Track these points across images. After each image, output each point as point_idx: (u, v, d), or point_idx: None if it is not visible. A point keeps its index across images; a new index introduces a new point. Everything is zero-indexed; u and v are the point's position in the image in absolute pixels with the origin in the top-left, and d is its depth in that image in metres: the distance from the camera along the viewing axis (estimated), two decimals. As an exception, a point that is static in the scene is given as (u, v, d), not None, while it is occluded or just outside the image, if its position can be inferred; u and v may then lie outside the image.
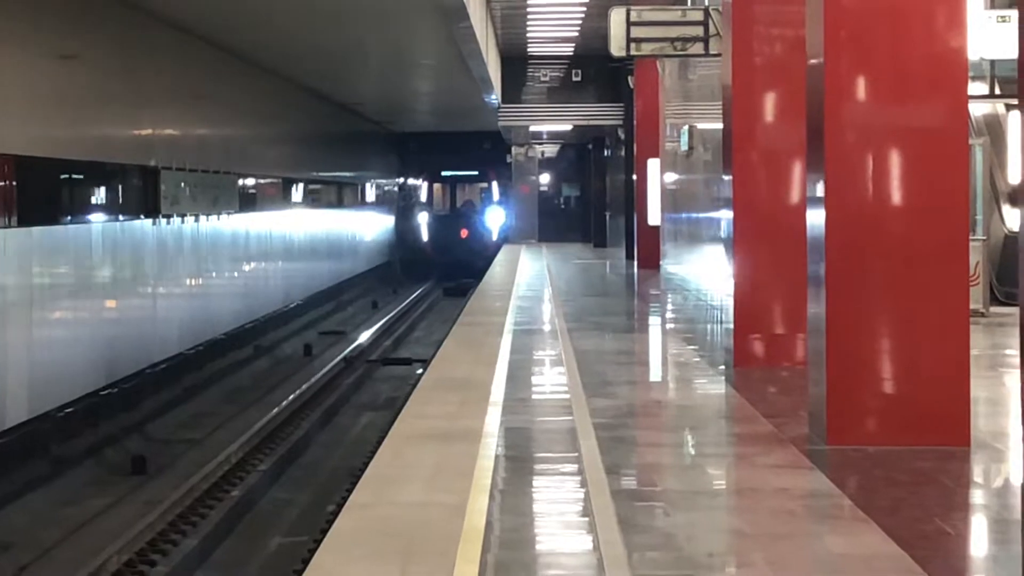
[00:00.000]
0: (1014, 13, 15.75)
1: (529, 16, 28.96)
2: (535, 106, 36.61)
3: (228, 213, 24.27)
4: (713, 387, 12.58)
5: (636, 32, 19.31)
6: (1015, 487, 8.13)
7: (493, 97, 33.24)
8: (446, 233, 48.37)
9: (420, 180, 51.18)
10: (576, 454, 9.10)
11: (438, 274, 45.23)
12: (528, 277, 27.98)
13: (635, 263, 30.92)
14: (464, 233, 48.63)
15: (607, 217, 44.06)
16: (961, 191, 9.32)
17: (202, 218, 22.38)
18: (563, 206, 55.23)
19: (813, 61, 9.48)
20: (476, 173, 50.55)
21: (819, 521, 7.54)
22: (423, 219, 49.29)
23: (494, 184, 50.24)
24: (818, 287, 9.38)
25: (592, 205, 47.26)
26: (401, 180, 52.72)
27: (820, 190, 9.28)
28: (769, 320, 13.26)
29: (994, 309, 17.58)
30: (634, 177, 32.25)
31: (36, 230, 15.47)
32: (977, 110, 19.67)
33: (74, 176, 17.06)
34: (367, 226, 44.59)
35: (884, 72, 9.19)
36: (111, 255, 17.99)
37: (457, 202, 50.98)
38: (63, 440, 15.75)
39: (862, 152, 9.16)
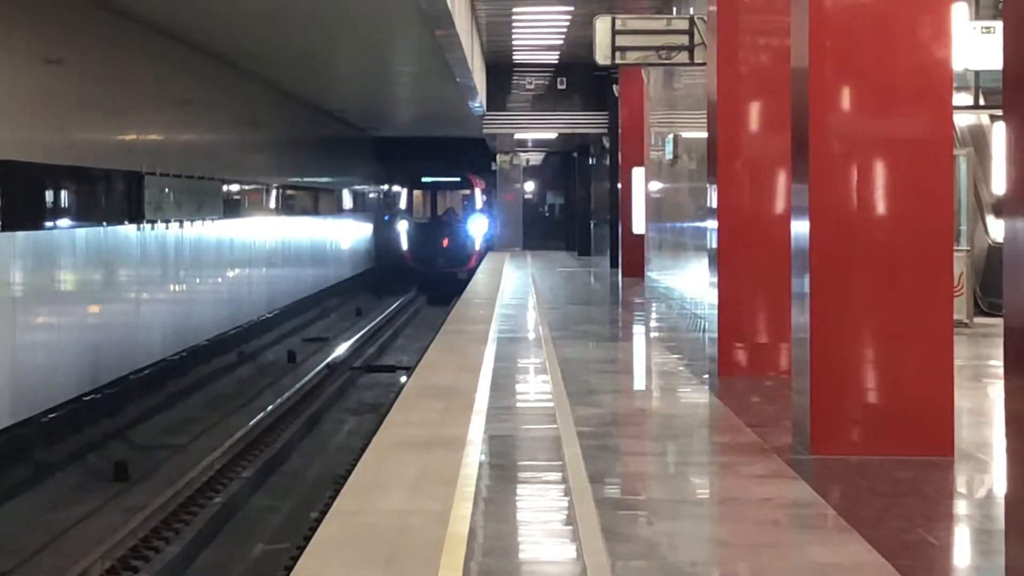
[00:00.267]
0: (998, 24, 15.80)
1: (514, 24, 28.94)
2: (520, 114, 36.58)
3: (212, 219, 24.26)
4: (697, 396, 12.58)
5: (621, 40, 19.30)
6: (998, 497, 8.12)
7: (478, 104, 33.24)
8: (426, 242, 45.80)
9: (400, 187, 49.61)
10: (560, 462, 9.09)
11: (418, 285, 43.74)
12: (513, 285, 27.98)
13: (619, 271, 30.88)
14: (445, 242, 46.05)
15: (592, 225, 43.99)
16: (945, 201, 9.32)
17: (186, 224, 22.36)
18: (547, 214, 55.13)
19: (798, 71, 9.48)
20: (458, 180, 48.62)
21: (802, 531, 7.54)
22: (403, 227, 46.81)
23: (477, 192, 48.37)
24: (802, 296, 9.37)
25: (577, 213, 47.19)
26: (385, 187, 52.27)
27: (804, 199, 9.28)
28: (753, 329, 13.26)
29: (978, 319, 17.63)
30: (619, 185, 32.21)
31: (20, 235, 15.46)
32: (962, 121, 19.72)
33: (58, 181, 17.04)
34: (352, 232, 44.52)
35: (869, 82, 9.19)
36: (95, 260, 17.97)
37: (439, 210, 48.64)
38: (46, 445, 15.73)
39: (847, 162, 9.16)
